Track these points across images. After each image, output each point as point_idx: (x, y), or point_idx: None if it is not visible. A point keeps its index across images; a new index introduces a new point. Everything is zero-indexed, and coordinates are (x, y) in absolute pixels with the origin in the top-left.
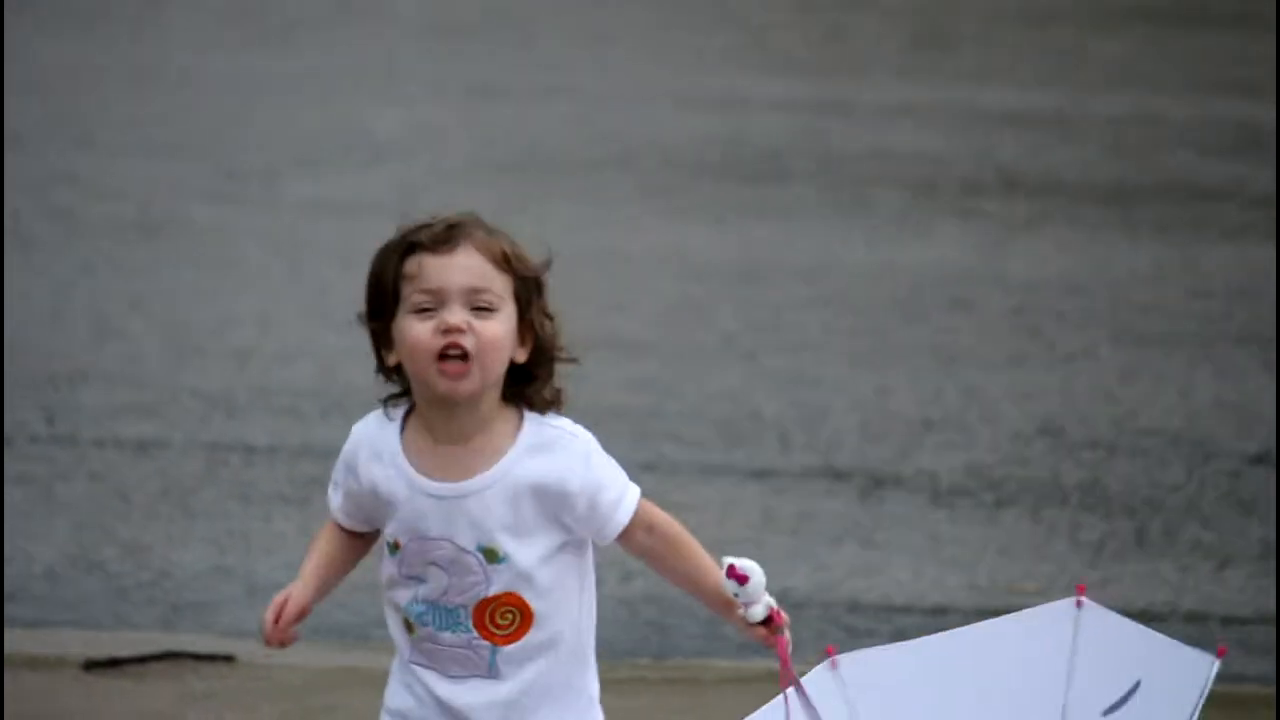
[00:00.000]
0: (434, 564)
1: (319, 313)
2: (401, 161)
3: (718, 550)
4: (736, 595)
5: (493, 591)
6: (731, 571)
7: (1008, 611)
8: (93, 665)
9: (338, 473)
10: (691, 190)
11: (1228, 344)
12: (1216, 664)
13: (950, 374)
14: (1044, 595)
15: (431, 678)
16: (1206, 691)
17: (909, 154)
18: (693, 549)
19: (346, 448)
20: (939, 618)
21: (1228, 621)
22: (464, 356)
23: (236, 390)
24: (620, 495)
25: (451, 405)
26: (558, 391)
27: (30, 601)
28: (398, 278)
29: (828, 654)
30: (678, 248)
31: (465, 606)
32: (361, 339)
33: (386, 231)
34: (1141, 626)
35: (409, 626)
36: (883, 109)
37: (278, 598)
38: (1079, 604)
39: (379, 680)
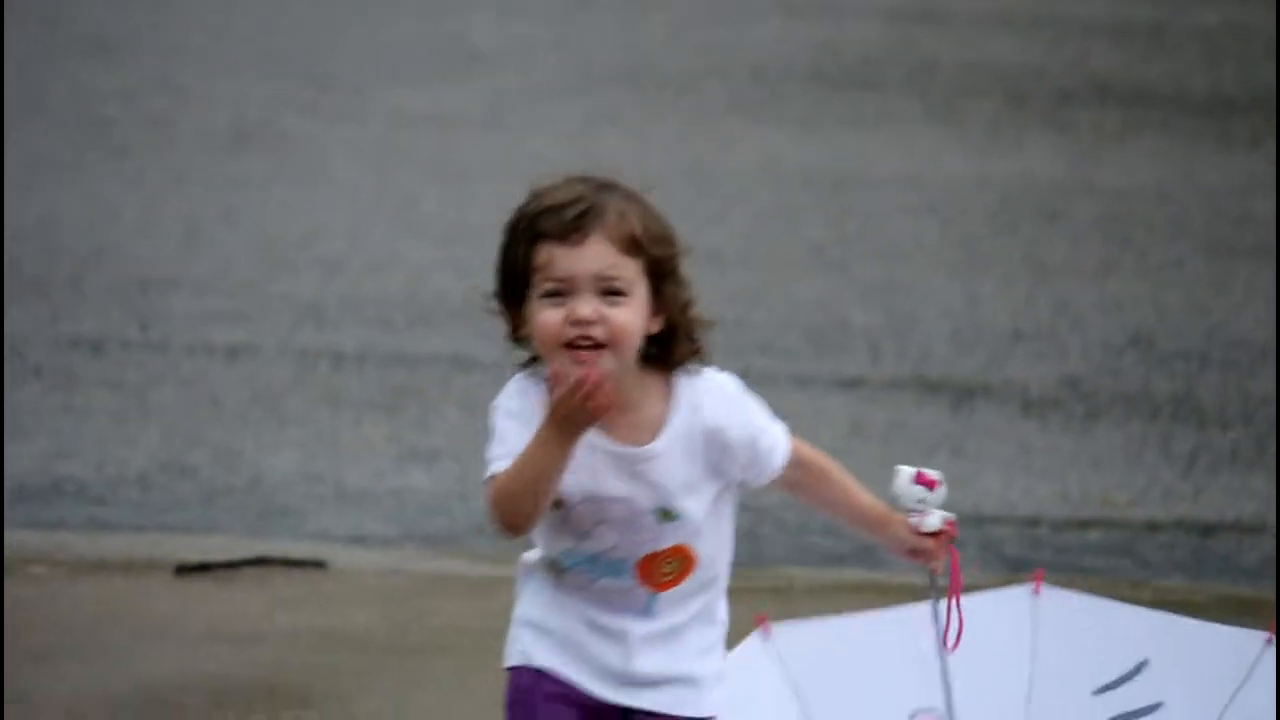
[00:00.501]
0: (604, 523)
1: (408, 224)
2: (493, 73)
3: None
4: (922, 501)
5: (662, 547)
6: (921, 478)
7: (1101, 524)
8: (184, 569)
9: (509, 434)
10: (784, 101)
11: None
12: (1271, 642)
13: (1041, 284)
14: (1136, 507)
15: (584, 604)
16: (1257, 671)
17: (1002, 64)
18: (839, 474)
19: (512, 406)
20: (1030, 528)
21: None
22: (595, 345)
23: (326, 299)
24: (775, 438)
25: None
26: (698, 346)
27: (123, 506)
28: (528, 267)
29: (758, 622)
30: (770, 158)
31: (630, 558)
32: (450, 249)
33: (478, 144)
34: (1149, 611)
35: (557, 569)
36: (977, 18)
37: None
38: (1036, 591)
39: (472, 587)
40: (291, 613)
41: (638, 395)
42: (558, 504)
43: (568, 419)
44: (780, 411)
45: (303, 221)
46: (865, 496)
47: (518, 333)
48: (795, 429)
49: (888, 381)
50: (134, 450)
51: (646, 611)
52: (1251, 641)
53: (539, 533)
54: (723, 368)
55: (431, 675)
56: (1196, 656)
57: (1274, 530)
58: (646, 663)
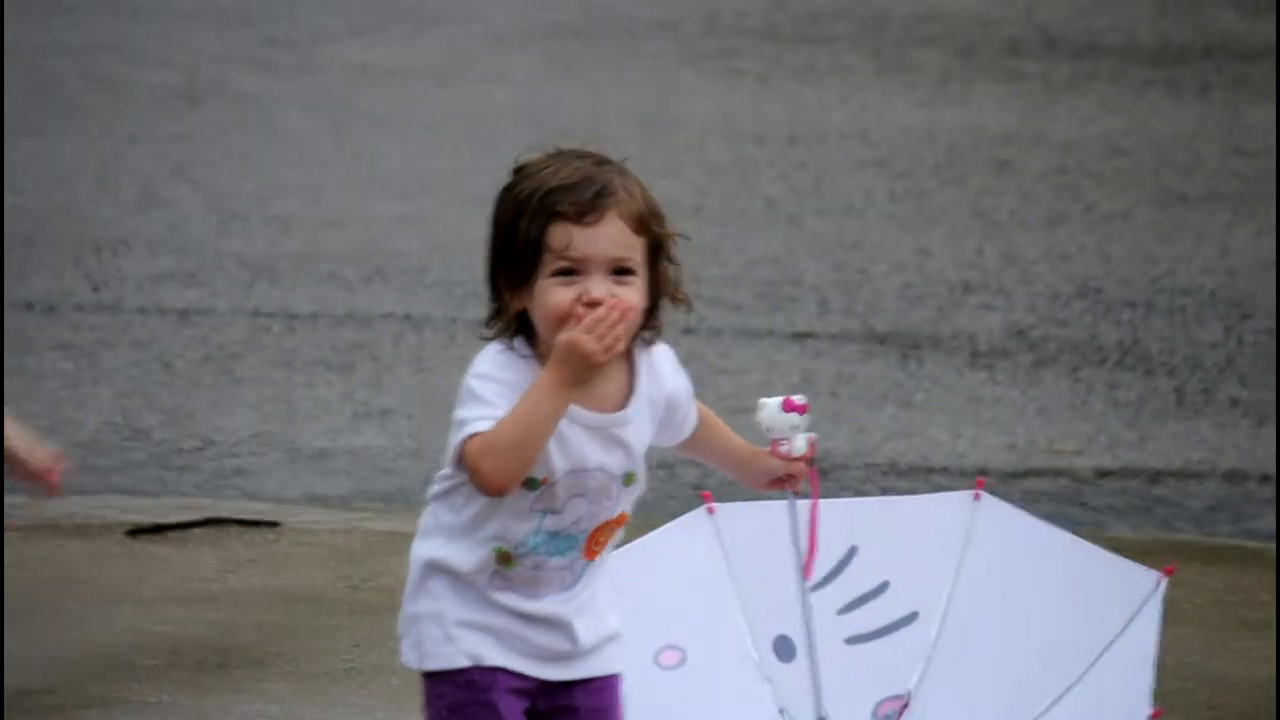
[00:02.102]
0: (580, 495)
1: (364, 180)
2: (448, 26)
3: (737, 418)
4: (795, 428)
5: (615, 513)
6: (790, 405)
7: (1049, 473)
8: (137, 532)
9: (494, 397)
10: (737, 54)
11: (1267, 203)
12: (1163, 583)
13: (990, 236)
14: (1082, 456)
15: (511, 598)
16: (1149, 610)
17: (951, 15)
18: (719, 421)
19: (496, 374)
20: (976, 476)
21: (1265, 479)
22: None
23: (280, 257)
24: (692, 398)
25: None
26: (660, 325)
27: (75, 469)
28: (539, 246)
29: (704, 499)
30: (723, 112)
31: (586, 531)
32: (407, 204)
33: (434, 97)
34: (1064, 533)
35: (505, 559)
36: None
37: None
38: (977, 496)
39: None
40: (245, 573)
41: (606, 365)
42: (539, 482)
43: (581, 359)
44: (731, 366)
45: (257, 178)
46: (737, 438)
47: (508, 304)
48: (746, 383)
49: (837, 334)
50: (86, 412)
51: (574, 584)
52: (1145, 581)
53: (476, 527)
54: (671, 321)
55: (385, 634)
56: (1103, 590)
57: (1220, 476)
58: (587, 634)
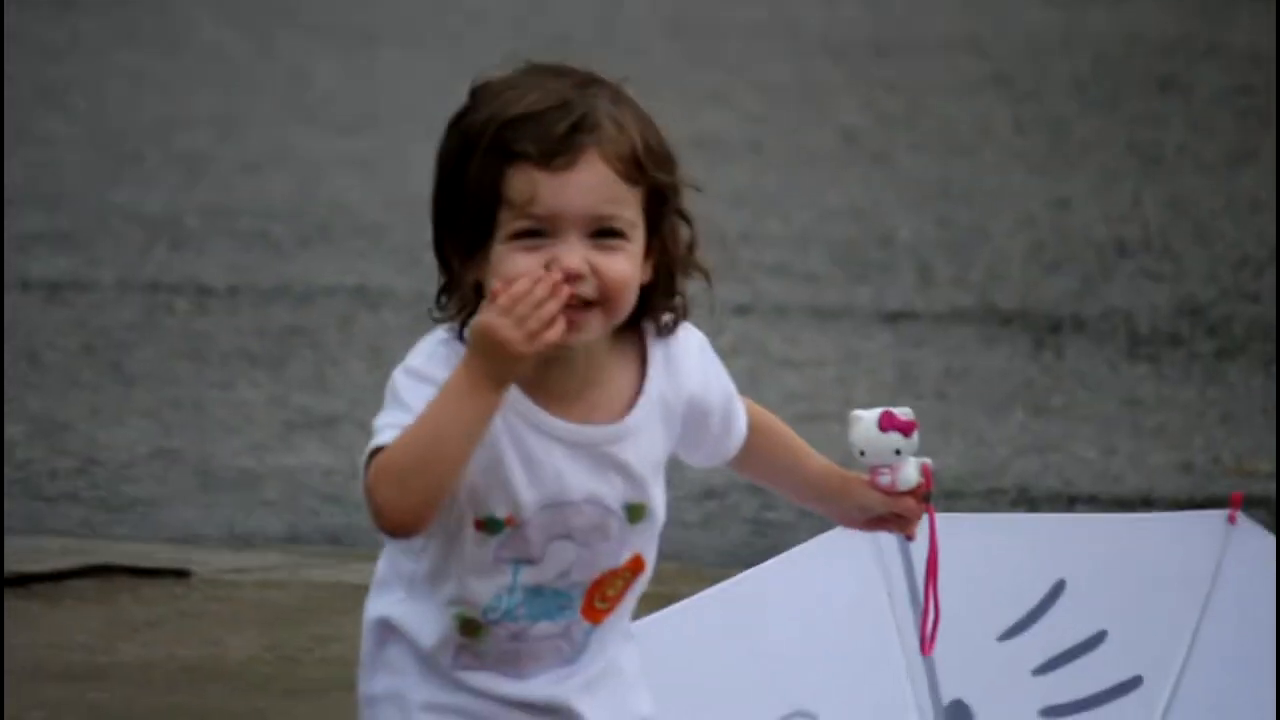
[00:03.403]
0: (565, 537)
1: (297, 108)
2: None
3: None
4: (898, 452)
5: (621, 561)
6: (891, 421)
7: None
8: None
9: (417, 400)
10: None
11: None
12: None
13: (1151, 179)
14: None
15: (487, 680)
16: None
17: None
18: (792, 435)
19: (427, 370)
20: (1142, 511)
21: None
22: (583, 304)
23: (185, 211)
24: (739, 402)
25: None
26: (683, 303)
27: None
28: (494, 198)
29: None
30: (783, 15)
31: (582, 584)
32: (352, 140)
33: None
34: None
35: (470, 628)
36: None
37: None
38: (1232, 519)
39: None
40: (143, 640)
41: (600, 362)
42: (502, 523)
43: (497, 350)
44: (800, 356)
45: (155, 104)
46: (818, 458)
47: (460, 274)
48: (820, 379)
49: (944, 314)
50: None
51: (577, 656)
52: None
53: (443, 580)
54: (718, 296)
55: None
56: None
57: None
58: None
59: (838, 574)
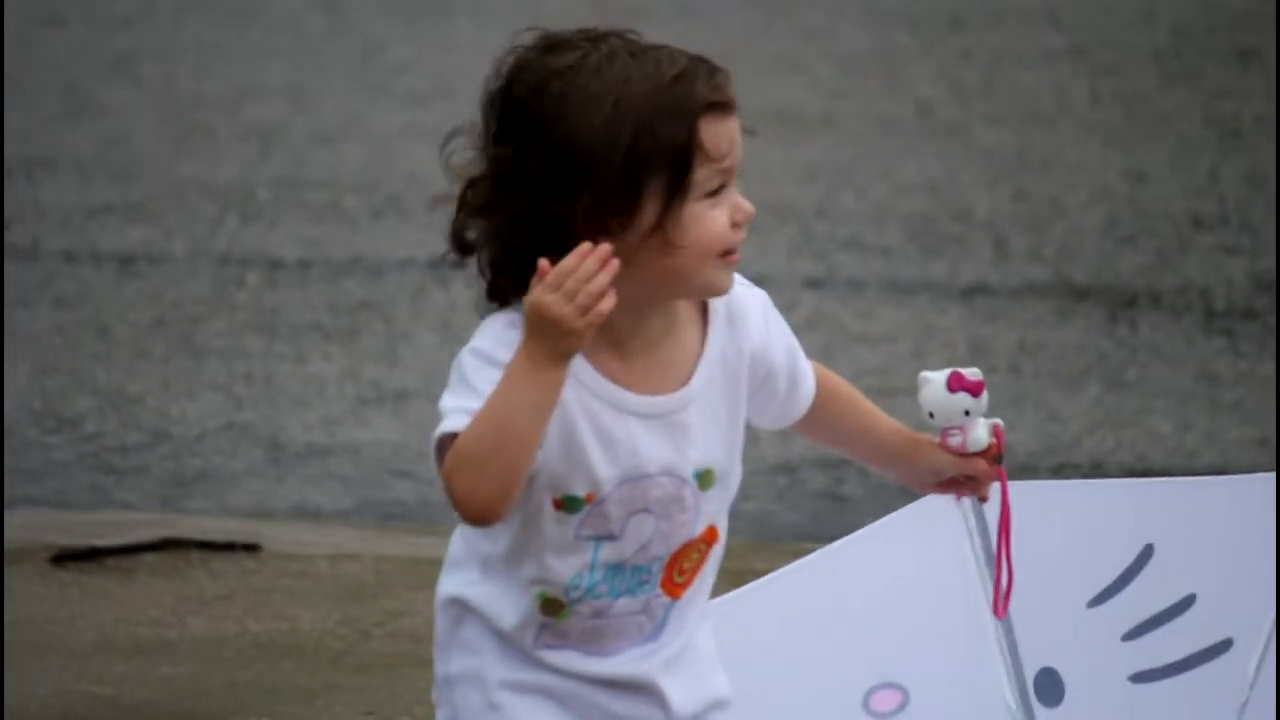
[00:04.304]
0: (644, 510)
1: (368, 78)
2: None
3: (885, 401)
4: (968, 413)
5: (698, 532)
6: (960, 382)
7: None
8: (65, 558)
9: (486, 384)
10: None
11: None
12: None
13: (1229, 152)
14: None
15: (570, 658)
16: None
17: None
18: (860, 397)
19: (497, 354)
20: None
21: None
22: None
23: (256, 184)
24: (805, 361)
25: (651, 306)
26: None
27: None
28: (690, 153)
29: None
30: None
31: (661, 558)
32: (425, 111)
33: None
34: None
35: (552, 607)
36: None
37: None
38: None
39: None
40: (213, 615)
41: (661, 326)
42: (582, 501)
43: (553, 329)
44: (873, 331)
45: (226, 76)
46: (888, 420)
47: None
48: (895, 353)
49: (1019, 288)
50: None
51: (659, 631)
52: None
53: (513, 564)
54: (791, 270)
55: (409, 697)
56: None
57: None
58: (684, 700)
59: (926, 545)
